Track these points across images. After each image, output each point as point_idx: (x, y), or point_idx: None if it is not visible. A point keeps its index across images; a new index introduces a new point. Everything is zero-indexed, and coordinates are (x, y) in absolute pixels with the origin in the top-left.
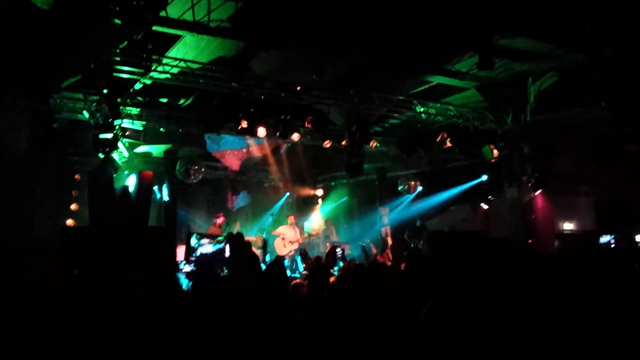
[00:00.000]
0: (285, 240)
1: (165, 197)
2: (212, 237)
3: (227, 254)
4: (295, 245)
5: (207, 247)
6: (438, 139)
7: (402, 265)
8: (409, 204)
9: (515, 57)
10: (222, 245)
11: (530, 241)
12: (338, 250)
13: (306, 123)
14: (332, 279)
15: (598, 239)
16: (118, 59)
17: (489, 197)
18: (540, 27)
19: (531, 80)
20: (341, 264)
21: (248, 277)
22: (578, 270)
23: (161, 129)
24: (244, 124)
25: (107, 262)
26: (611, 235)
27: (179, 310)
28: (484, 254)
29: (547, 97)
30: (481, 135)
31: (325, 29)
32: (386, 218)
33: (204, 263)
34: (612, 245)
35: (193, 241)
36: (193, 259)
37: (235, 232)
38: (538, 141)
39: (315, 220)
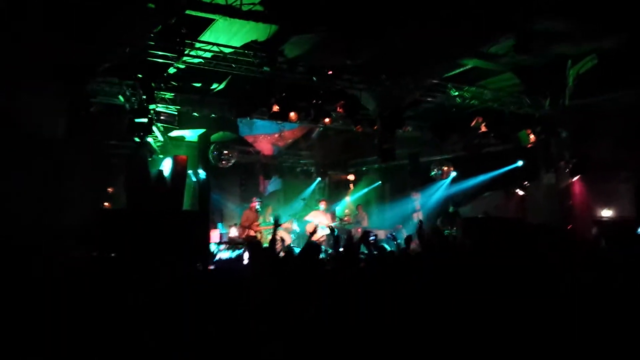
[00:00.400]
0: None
1: (199, 181)
2: (231, 244)
3: (246, 260)
4: (327, 230)
5: (225, 254)
6: (473, 124)
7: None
8: (442, 189)
9: (553, 39)
10: (240, 251)
11: (569, 227)
12: (371, 236)
13: (338, 107)
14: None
15: (636, 228)
16: (152, 43)
17: (525, 182)
18: (580, 7)
19: (570, 62)
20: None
21: (266, 282)
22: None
23: (195, 114)
24: (276, 109)
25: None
26: None
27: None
28: (522, 241)
29: (586, 81)
30: (517, 120)
31: (358, 12)
32: (418, 203)
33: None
34: None
35: (212, 247)
36: (211, 266)
37: (271, 215)
38: (576, 126)
39: (347, 206)
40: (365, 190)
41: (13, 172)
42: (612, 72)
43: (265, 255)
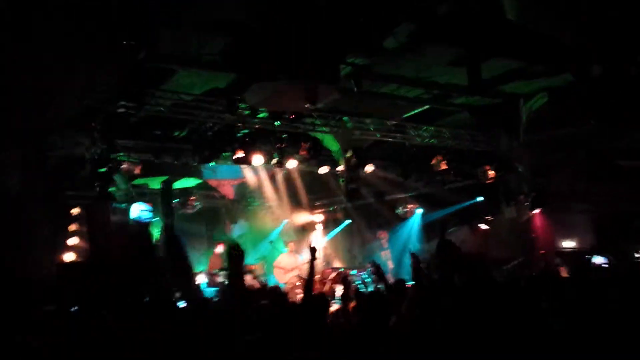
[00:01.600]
0: (285, 268)
1: (165, 229)
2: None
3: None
4: (296, 272)
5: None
6: (433, 162)
7: None
8: (409, 227)
9: (505, 79)
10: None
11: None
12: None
13: (301, 150)
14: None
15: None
16: (112, 94)
17: (487, 217)
18: (529, 48)
19: (522, 100)
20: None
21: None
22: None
23: (157, 161)
24: (240, 154)
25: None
26: (604, 257)
27: None
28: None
29: (539, 117)
30: (476, 157)
31: (316, 59)
32: (386, 242)
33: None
34: (605, 266)
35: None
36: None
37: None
38: (533, 160)
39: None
40: (334, 230)
41: None
42: (562, 108)
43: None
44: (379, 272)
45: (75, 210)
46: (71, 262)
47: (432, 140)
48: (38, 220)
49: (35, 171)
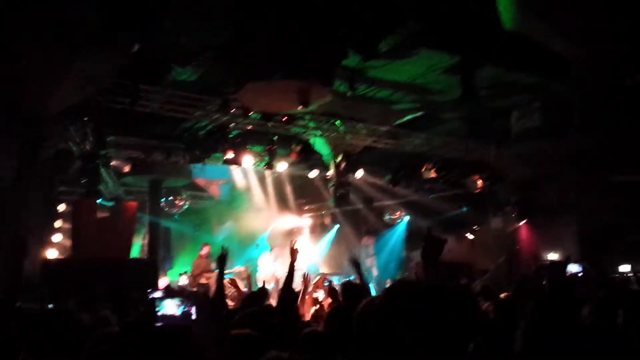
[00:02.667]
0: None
1: (150, 228)
2: (179, 295)
3: (194, 316)
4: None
5: (172, 308)
6: (422, 170)
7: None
8: (396, 234)
9: (499, 88)
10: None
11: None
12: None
13: (292, 153)
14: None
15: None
16: (105, 88)
17: (474, 227)
18: (524, 59)
19: (515, 111)
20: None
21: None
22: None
23: (147, 159)
24: (230, 154)
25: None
26: (579, 265)
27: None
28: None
29: (531, 128)
30: (465, 166)
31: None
32: (372, 248)
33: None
34: (580, 274)
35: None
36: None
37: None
38: (522, 172)
39: (301, 251)
40: (321, 234)
41: None
42: (554, 120)
43: (212, 311)
44: (357, 269)
45: (61, 207)
46: (55, 259)
47: (423, 147)
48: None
49: (29, 163)
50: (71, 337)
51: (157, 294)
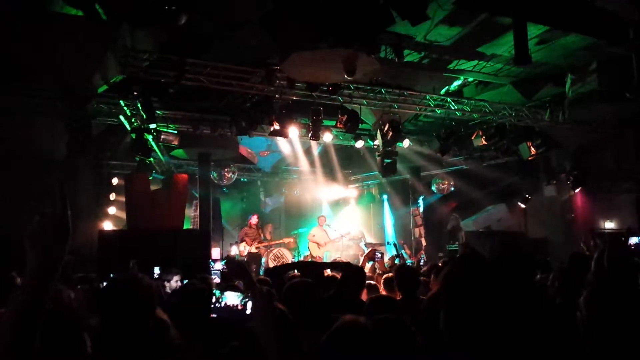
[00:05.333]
0: (319, 243)
1: (200, 200)
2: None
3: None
4: (329, 247)
5: (232, 299)
6: (473, 137)
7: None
8: (444, 204)
9: (553, 50)
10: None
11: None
12: (377, 253)
13: (338, 123)
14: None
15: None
16: (152, 63)
17: (527, 195)
18: (580, 20)
19: (570, 75)
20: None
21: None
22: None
23: (195, 132)
24: (276, 126)
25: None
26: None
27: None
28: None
29: (586, 92)
30: (518, 133)
31: (359, 28)
32: (420, 218)
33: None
34: None
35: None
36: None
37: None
38: (577, 137)
39: (347, 221)
40: (367, 205)
41: (25, 193)
42: (611, 84)
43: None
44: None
45: (114, 180)
46: (111, 231)
47: (473, 114)
48: (83, 187)
49: (81, 138)
50: (144, 302)
51: (218, 266)
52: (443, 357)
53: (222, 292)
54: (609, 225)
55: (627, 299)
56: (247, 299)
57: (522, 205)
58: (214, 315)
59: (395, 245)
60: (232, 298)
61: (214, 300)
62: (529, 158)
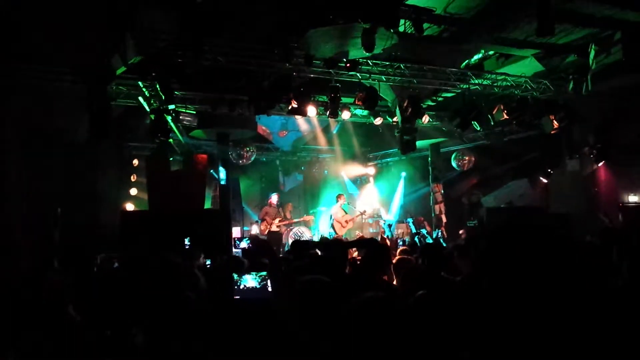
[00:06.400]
0: (340, 220)
1: (221, 180)
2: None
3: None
4: (350, 225)
5: (250, 282)
6: (494, 111)
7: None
8: (464, 180)
9: (576, 21)
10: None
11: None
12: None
13: (356, 100)
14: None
15: None
16: (170, 43)
17: (549, 170)
18: None
19: (593, 45)
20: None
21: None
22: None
23: (214, 112)
24: (294, 104)
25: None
26: None
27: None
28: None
29: (610, 64)
30: (540, 106)
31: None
32: (440, 195)
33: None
34: None
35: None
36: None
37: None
38: (600, 111)
39: (367, 199)
40: (387, 182)
41: (53, 173)
42: (635, 55)
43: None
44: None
45: (135, 162)
46: (133, 211)
47: (494, 88)
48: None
49: (101, 119)
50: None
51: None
52: None
53: (240, 276)
54: (633, 199)
55: None
56: (265, 280)
57: (544, 180)
58: (237, 297)
59: (406, 223)
60: (250, 281)
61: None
62: (552, 132)
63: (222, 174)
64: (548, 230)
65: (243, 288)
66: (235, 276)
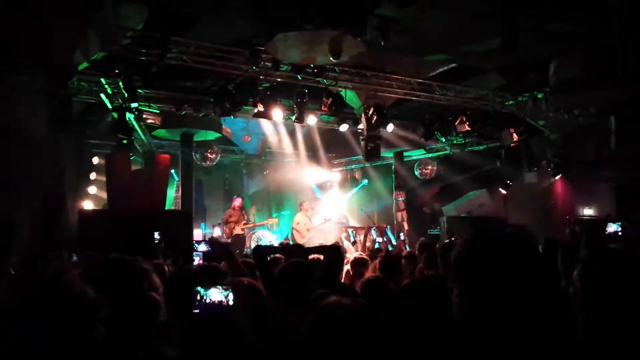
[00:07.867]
0: (301, 229)
1: (181, 181)
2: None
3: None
4: (312, 233)
5: (215, 295)
6: (456, 123)
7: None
8: (427, 188)
9: (539, 38)
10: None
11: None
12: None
13: (322, 106)
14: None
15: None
16: (135, 40)
17: (508, 182)
18: (564, 7)
19: (553, 61)
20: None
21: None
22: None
23: (177, 112)
24: (260, 107)
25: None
26: (618, 224)
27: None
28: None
29: (569, 79)
30: (501, 119)
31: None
32: (402, 203)
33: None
34: (619, 234)
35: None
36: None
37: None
38: (559, 124)
39: (332, 205)
40: (350, 189)
41: (12, 173)
42: (594, 71)
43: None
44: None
45: (95, 159)
46: (92, 211)
47: (457, 100)
48: (65, 166)
49: (62, 115)
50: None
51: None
52: None
53: (205, 289)
54: (588, 212)
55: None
56: (229, 292)
57: (503, 191)
58: (197, 311)
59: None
60: (216, 294)
61: (198, 297)
62: (511, 145)
63: (185, 175)
64: (517, 238)
65: (207, 302)
66: (202, 290)
